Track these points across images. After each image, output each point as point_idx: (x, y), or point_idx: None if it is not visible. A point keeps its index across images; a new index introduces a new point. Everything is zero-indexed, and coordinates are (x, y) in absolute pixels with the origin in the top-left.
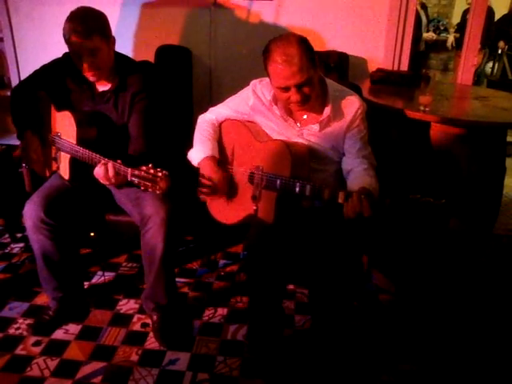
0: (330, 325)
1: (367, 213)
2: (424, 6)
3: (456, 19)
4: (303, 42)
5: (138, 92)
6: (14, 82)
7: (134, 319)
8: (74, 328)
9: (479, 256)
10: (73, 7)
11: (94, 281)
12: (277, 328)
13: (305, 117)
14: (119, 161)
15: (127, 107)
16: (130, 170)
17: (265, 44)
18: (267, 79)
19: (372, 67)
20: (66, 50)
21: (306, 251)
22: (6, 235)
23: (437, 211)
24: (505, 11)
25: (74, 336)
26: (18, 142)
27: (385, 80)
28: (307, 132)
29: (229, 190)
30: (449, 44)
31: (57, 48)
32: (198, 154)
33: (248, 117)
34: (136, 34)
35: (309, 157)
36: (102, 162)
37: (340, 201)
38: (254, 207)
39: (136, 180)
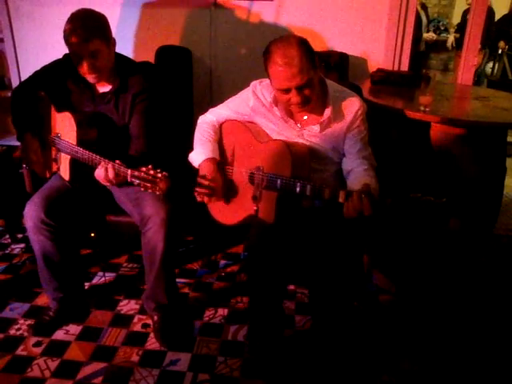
0: (330, 325)
1: (368, 211)
2: (424, 7)
3: (456, 19)
4: (303, 44)
5: (139, 93)
6: (15, 82)
7: (135, 320)
8: (74, 329)
9: (479, 256)
10: (73, 8)
11: (94, 281)
12: (277, 328)
13: (305, 118)
14: (118, 161)
15: (128, 108)
16: (129, 170)
17: (265, 44)
18: (267, 80)
19: (372, 67)
20: (67, 50)
21: (306, 251)
22: (7, 236)
23: (437, 210)
24: (505, 11)
25: (75, 336)
26: (18, 143)
27: (385, 80)
28: (308, 133)
29: (228, 191)
30: (449, 44)
31: (57, 48)
32: (199, 156)
33: (248, 117)
34: (136, 35)
35: (309, 157)
36: (102, 163)
37: (341, 200)
38: (255, 207)
39: (136, 181)
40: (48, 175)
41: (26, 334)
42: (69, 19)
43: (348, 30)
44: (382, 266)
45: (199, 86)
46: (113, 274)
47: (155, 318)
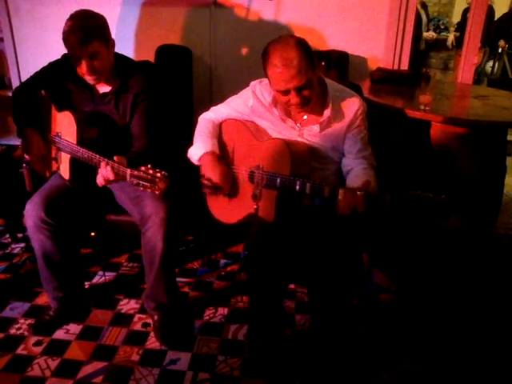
0: (329, 323)
1: (361, 208)
2: (424, 5)
3: (456, 18)
4: (302, 45)
5: (139, 93)
6: (15, 82)
7: (135, 319)
8: (74, 328)
9: (480, 255)
10: (73, 7)
11: (94, 281)
12: (277, 327)
13: (305, 117)
14: (116, 157)
15: (129, 108)
16: (129, 170)
17: (265, 43)
18: (267, 80)
19: (372, 66)
20: (66, 50)
21: (306, 250)
22: (7, 235)
23: (437, 206)
24: (505, 10)
25: (75, 336)
26: (18, 143)
27: (385, 79)
28: (307, 132)
29: (231, 186)
30: (449, 43)
31: (57, 48)
32: (198, 150)
33: (248, 117)
34: (136, 34)
35: (309, 155)
36: (103, 164)
37: (340, 198)
38: (255, 206)
39: (135, 180)
40: (48, 174)
41: (26, 333)
42: (67, 20)
43: (348, 28)
44: (382, 265)
45: (199, 85)
46: (113, 274)
47: (155, 317)
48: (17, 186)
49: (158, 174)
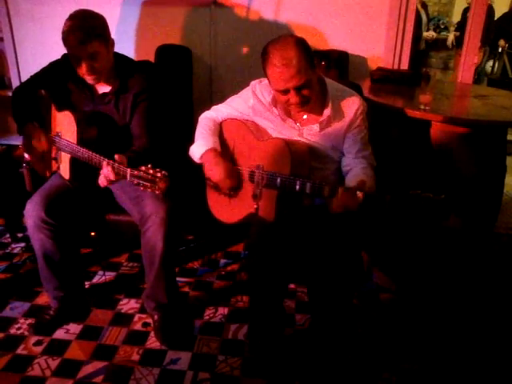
0: (329, 323)
1: (353, 208)
2: (424, 5)
3: (456, 18)
4: (301, 44)
5: (139, 93)
6: (15, 82)
7: (135, 319)
8: (74, 328)
9: (480, 254)
10: (73, 6)
11: (94, 280)
12: (278, 327)
13: (305, 117)
14: (117, 156)
15: (129, 108)
16: (129, 170)
17: (265, 43)
18: (267, 80)
19: (372, 66)
20: (66, 50)
21: (307, 249)
22: (7, 235)
23: (437, 206)
24: (505, 9)
25: (75, 336)
26: (18, 142)
27: (385, 79)
28: (307, 132)
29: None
30: (449, 43)
31: (57, 48)
32: (200, 148)
33: (248, 117)
34: (136, 34)
35: (309, 155)
36: (104, 164)
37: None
38: (255, 206)
39: (135, 180)
40: (48, 174)
41: (26, 333)
42: (67, 20)
43: (348, 28)
44: (382, 265)
45: (199, 84)
46: (113, 273)
47: (155, 317)
48: (17, 186)
49: (159, 174)
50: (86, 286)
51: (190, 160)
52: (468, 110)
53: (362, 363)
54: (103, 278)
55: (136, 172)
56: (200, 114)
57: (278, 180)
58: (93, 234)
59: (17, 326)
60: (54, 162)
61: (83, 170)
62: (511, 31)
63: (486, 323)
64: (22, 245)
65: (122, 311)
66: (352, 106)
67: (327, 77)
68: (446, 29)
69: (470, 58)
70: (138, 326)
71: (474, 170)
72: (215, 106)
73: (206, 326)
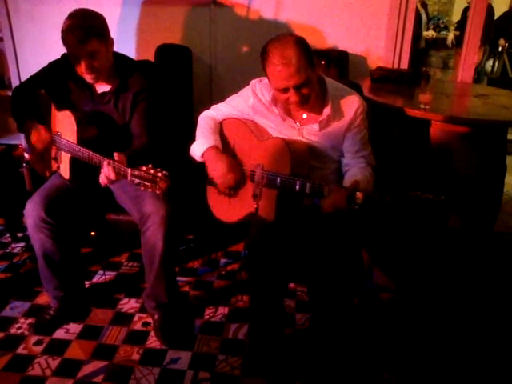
0: (329, 322)
1: (343, 208)
2: (424, 4)
3: (456, 17)
4: (300, 43)
5: (139, 92)
6: (14, 81)
7: (135, 318)
8: (75, 327)
9: (480, 254)
10: (73, 6)
11: (94, 280)
12: (278, 327)
13: (304, 116)
14: (116, 154)
15: (129, 107)
16: (129, 170)
17: (265, 42)
18: (267, 79)
19: (372, 65)
20: (66, 50)
21: (307, 249)
22: (7, 235)
23: (436, 208)
24: (505, 8)
25: (75, 335)
26: (18, 142)
27: (385, 78)
28: (307, 131)
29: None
30: (449, 42)
31: (57, 48)
32: (201, 146)
33: (249, 116)
34: (136, 34)
35: (309, 155)
36: (105, 164)
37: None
38: (255, 205)
39: (136, 180)
40: (48, 174)
41: (26, 332)
42: (66, 19)
43: (348, 27)
44: (382, 264)
45: (199, 84)
46: (113, 273)
47: (156, 316)
48: (17, 186)
49: (159, 174)
50: (86, 286)
51: (190, 159)
52: (468, 110)
53: (362, 362)
54: (103, 277)
55: (137, 172)
56: (200, 114)
57: (278, 180)
58: (93, 233)
59: (17, 326)
60: (53, 161)
61: (83, 170)
62: (511, 30)
63: (486, 322)
64: (22, 244)
65: (122, 311)
66: (352, 105)
67: (327, 76)
68: (446, 28)
69: (469, 57)
70: (138, 326)
71: (474, 170)
72: (215, 106)
73: (206, 326)
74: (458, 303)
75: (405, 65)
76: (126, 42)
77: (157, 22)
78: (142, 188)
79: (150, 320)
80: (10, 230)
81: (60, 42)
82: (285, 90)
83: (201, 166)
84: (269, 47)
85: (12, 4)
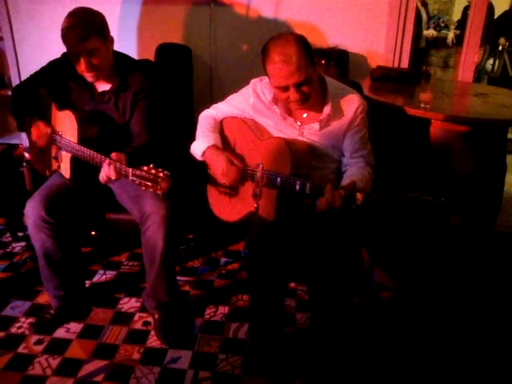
0: (330, 321)
1: (337, 206)
2: (424, 3)
3: (457, 16)
4: (301, 41)
5: (139, 90)
6: (15, 81)
7: (136, 317)
8: (75, 326)
9: (480, 253)
10: (73, 6)
11: (95, 279)
12: (278, 326)
13: (305, 115)
14: (114, 154)
15: (129, 106)
16: (131, 169)
17: (265, 41)
18: (267, 78)
19: (372, 64)
20: (66, 49)
21: (307, 248)
22: (8, 234)
23: (436, 210)
24: (505, 7)
25: (76, 334)
26: (18, 142)
27: (385, 77)
28: (307, 131)
29: (229, 187)
30: (449, 41)
31: (57, 47)
32: (201, 145)
33: (249, 115)
34: (136, 33)
35: (309, 154)
36: (106, 163)
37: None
38: (255, 205)
39: (137, 180)
40: (48, 173)
41: (27, 332)
42: (66, 17)
43: (348, 26)
44: (382, 263)
45: (199, 83)
46: (113, 272)
47: (156, 315)
48: (17, 185)
49: (161, 174)
50: (87, 285)
51: (190, 159)
52: (468, 109)
53: (362, 362)
54: (103, 276)
55: (138, 172)
56: (200, 113)
57: (278, 180)
58: (93, 232)
59: (17, 325)
60: (54, 161)
61: (84, 169)
62: (511, 29)
63: (486, 321)
64: (23, 244)
65: (123, 310)
66: (352, 104)
67: (327, 75)
68: (447, 27)
69: (470, 56)
70: (138, 325)
71: (474, 169)
72: (215, 105)
73: (207, 325)
74: (459, 302)
75: (405, 64)
76: (126, 41)
77: (157, 21)
78: (143, 188)
79: (150, 319)
80: (10, 230)
81: (60, 42)
82: (285, 89)
83: (201, 166)
84: (269, 45)
85: (12, 3)
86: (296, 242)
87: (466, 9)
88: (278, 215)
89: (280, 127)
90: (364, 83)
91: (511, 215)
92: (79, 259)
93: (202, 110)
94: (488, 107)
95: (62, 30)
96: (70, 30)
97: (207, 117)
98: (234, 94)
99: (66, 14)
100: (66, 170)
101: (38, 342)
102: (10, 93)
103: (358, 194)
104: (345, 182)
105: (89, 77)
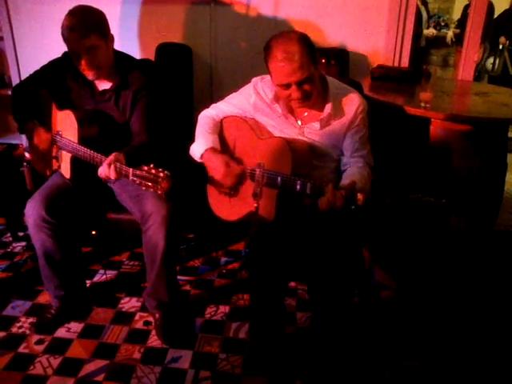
0: (330, 321)
1: (338, 206)
2: (424, 2)
3: (457, 15)
4: (304, 39)
5: (139, 89)
6: (15, 80)
7: (136, 317)
8: (76, 326)
9: (480, 252)
10: (73, 5)
11: (95, 279)
12: (278, 325)
13: (306, 114)
14: (112, 155)
15: (129, 105)
16: (131, 169)
17: (265, 40)
18: (268, 77)
19: (372, 63)
20: (66, 48)
21: (307, 248)
22: (8, 234)
23: (437, 211)
24: (505, 6)
25: (77, 334)
26: (18, 142)
27: (385, 76)
28: (308, 130)
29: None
30: (448, 39)
31: (57, 46)
32: (200, 147)
33: (249, 114)
34: (136, 32)
35: (310, 154)
36: (106, 163)
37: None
38: (255, 204)
39: (137, 180)
40: (48, 173)
41: (28, 331)
42: (66, 16)
43: (348, 25)
44: (382, 263)
45: (199, 83)
46: (114, 272)
47: (157, 315)
48: (17, 185)
49: (161, 174)
50: (87, 285)
51: (190, 158)
52: (469, 108)
53: (362, 361)
54: (104, 276)
55: (138, 172)
56: (200, 112)
57: (279, 179)
58: (93, 232)
59: (18, 325)
60: (54, 160)
61: (84, 169)
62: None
63: (487, 320)
64: (23, 244)
65: (123, 310)
66: (352, 104)
67: (327, 74)
68: (447, 26)
69: (470, 55)
70: (139, 325)
71: (475, 168)
72: (215, 104)
73: (207, 325)
74: (459, 301)
75: (405, 63)
76: (126, 40)
77: (157, 21)
78: (144, 188)
79: (150, 319)
80: (10, 230)
81: (60, 41)
82: (287, 86)
83: (201, 165)
84: (272, 43)
85: (12, 3)
86: (296, 241)
87: (466, 7)
88: (278, 215)
89: (281, 126)
90: (364, 82)
91: (511, 214)
92: (80, 259)
93: (202, 110)
94: (488, 106)
95: (63, 28)
96: (71, 27)
97: (206, 117)
98: (234, 94)
99: (66, 13)
100: (66, 169)
101: (39, 342)
102: (10, 92)
103: (358, 194)
104: (345, 181)
105: (89, 75)
